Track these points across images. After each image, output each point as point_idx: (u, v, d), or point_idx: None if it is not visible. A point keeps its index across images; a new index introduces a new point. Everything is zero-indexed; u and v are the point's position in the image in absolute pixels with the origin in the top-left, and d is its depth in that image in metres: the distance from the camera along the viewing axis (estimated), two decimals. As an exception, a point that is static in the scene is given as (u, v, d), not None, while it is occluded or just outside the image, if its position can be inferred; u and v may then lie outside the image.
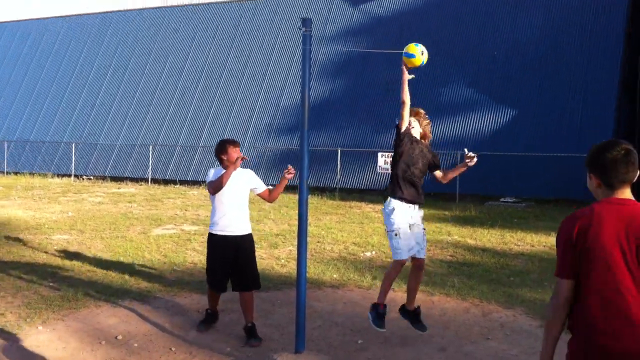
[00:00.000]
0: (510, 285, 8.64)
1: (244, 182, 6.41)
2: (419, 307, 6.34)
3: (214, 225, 6.42)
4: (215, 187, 6.18)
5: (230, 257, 6.36)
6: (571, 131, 20.13)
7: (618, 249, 2.80)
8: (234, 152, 6.34)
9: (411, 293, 6.30)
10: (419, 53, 6.11)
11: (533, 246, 11.84)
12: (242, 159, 6.21)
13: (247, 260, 6.43)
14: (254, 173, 6.66)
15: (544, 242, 12.25)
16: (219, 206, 6.35)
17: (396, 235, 5.98)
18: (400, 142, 6.23)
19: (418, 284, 6.35)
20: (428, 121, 6.50)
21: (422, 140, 6.44)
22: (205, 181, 6.51)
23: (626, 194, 2.95)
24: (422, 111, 6.45)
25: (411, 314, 6.30)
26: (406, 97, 6.15)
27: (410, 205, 6.11)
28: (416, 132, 6.33)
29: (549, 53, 21.56)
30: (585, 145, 19.44)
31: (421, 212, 6.26)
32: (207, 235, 6.59)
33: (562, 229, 2.99)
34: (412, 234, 6.07)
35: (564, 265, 2.94)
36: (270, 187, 6.71)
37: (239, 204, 6.37)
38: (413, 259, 6.14)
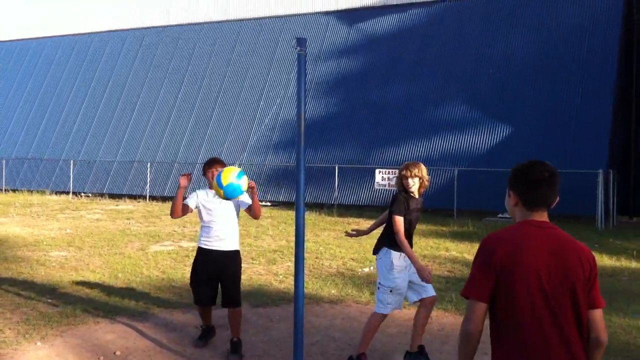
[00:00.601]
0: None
1: (232, 201, 6.38)
2: (422, 346, 6.10)
3: (200, 239, 6.52)
4: (172, 211, 6.40)
5: (213, 272, 6.39)
6: (567, 147, 20.23)
7: (545, 273, 2.64)
8: (216, 171, 6.23)
9: (419, 329, 6.08)
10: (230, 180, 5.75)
11: (530, 261, 11.86)
12: (187, 177, 6.27)
13: (230, 277, 6.42)
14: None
15: (541, 257, 12.26)
16: (206, 223, 6.43)
17: (391, 292, 5.90)
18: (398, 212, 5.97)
19: (427, 320, 6.19)
20: (428, 177, 6.16)
21: (418, 195, 6.16)
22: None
23: (544, 216, 2.85)
24: (417, 169, 6.03)
25: (419, 355, 6.06)
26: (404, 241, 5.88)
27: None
28: (415, 188, 6.07)
29: (544, 70, 21.70)
30: (580, 161, 19.55)
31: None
32: (196, 250, 6.65)
33: (483, 249, 2.77)
34: (406, 283, 5.94)
35: (480, 285, 2.68)
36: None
37: (227, 220, 6.39)
38: (423, 299, 6.00)
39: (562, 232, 2.80)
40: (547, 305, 2.62)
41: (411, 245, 6.01)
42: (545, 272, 2.63)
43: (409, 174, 5.99)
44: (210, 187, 6.38)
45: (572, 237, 2.80)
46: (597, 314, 2.81)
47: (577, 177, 19.28)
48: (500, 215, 19.54)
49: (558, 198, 2.87)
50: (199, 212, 6.47)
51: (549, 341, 2.60)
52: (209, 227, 6.42)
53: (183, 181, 6.29)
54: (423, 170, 6.07)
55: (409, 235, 6.02)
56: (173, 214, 6.39)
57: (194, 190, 6.76)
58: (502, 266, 2.65)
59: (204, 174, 6.46)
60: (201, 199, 6.45)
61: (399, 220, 5.91)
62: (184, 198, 6.49)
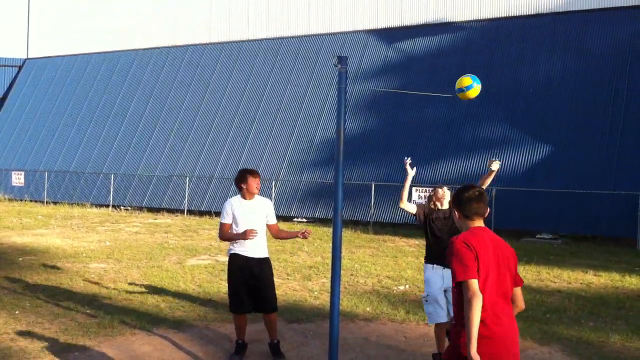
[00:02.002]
0: (546, 322, 8.53)
1: (261, 210, 6.74)
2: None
3: (235, 247, 6.72)
4: (221, 237, 6.78)
5: (248, 278, 6.59)
6: (608, 168, 19.90)
7: (495, 263, 3.78)
8: (253, 182, 6.69)
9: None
10: (472, 81, 6.26)
11: (570, 283, 11.68)
12: (252, 236, 6.50)
13: (266, 283, 6.67)
14: (271, 204, 6.97)
15: (580, 279, 12.07)
16: (239, 230, 6.67)
17: (427, 301, 6.56)
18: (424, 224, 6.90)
19: None
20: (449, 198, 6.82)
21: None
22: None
23: (480, 223, 3.95)
24: (442, 192, 6.92)
25: None
26: (404, 196, 7.05)
27: (439, 265, 6.60)
28: (445, 205, 6.82)
29: (585, 89, 21.43)
30: (621, 183, 19.22)
31: None
32: (228, 257, 6.80)
33: (463, 246, 3.74)
34: (439, 293, 6.51)
35: (473, 270, 3.68)
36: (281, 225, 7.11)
37: (259, 228, 6.64)
38: None
39: (495, 234, 3.96)
40: (501, 280, 3.80)
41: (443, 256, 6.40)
42: (495, 258, 3.78)
43: (435, 198, 6.95)
44: (245, 197, 6.69)
45: (500, 237, 3.98)
46: (518, 290, 4.01)
47: (618, 198, 18.96)
48: (538, 235, 19.27)
49: (488, 209, 4.00)
50: (233, 220, 6.69)
51: (505, 303, 3.83)
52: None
53: (247, 236, 6.52)
54: (443, 195, 6.93)
55: (439, 244, 6.59)
56: (223, 237, 6.80)
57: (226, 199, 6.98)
58: (475, 253, 3.70)
59: (246, 182, 6.69)
60: (235, 207, 6.68)
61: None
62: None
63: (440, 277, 6.52)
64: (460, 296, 3.76)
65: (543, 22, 23.37)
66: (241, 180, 6.69)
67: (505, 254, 3.86)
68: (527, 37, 23.35)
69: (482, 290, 3.68)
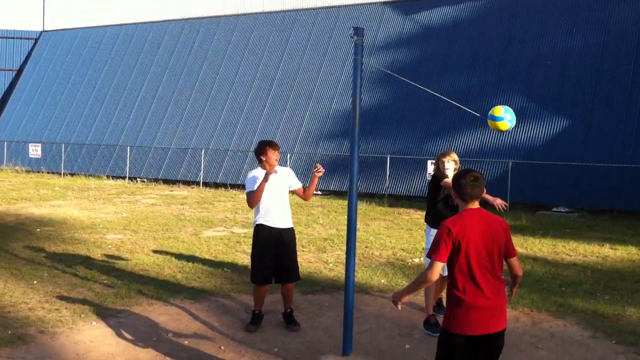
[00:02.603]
0: (561, 295, 8.52)
1: (282, 180, 6.77)
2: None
3: (260, 218, 6.74)
4: (252, 201, 6.62)
5: (273, 248, 6.64)
6: (626, 142, 19.69)
7: (482, 242, 4.11)
8: (273, 155, 6.71)
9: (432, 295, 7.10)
10: (504, 114, 6.25)
11: (586, 257, 11.64)
12: (273, 171, 6.51)
13: (289, 252, 6.76)
14: (292, 172, 7.04)
15: (597, 252, 12.02)
16: (262, 202, 6.67)
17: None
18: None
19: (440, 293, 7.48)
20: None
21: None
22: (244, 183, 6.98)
23: (476, 204, 4.27)
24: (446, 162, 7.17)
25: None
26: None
27: None
28: (450, 172, 7.08)
29: (604, 63, 21.15)
30: (641, 156, 19.04)
31: None
32: (254, 228, 6.81)
33: (444, 228, 4.10)
34: None
35: (444, 253, 4.08)
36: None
37: (280, 199, 6.73)
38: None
39: (488, 213, 4.26)
40: (487, 256, 4.13)
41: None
42: (482, 237, 4.11)
43: (444, 158, 7.14)
44: (264, 168, 6.66)
45: (493, 214, 4.28)
46: (514, 260, 4.38)
47: (636, 172, 18.79)
48: (554, 209, 19.18)
49: (485, 190, 4.47)
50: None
51: (488, 278, 4.13)
52: (265, 207, 6.71)
53: (268, 176, 6.49)
54: (454, 156, 7.26)
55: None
56: (253, 203, 6.66)
57: (249, 172, 6.98)
58: (458, 238, 4.05)
59: (265, 154, 6.71)
60: (259, 178, 6.62)
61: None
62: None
63: None
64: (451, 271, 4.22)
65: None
66: (261, 153, 6.74)
67: (497, 231, 4.21)
68: (548, 9, 23.01)
69: (467, 266, 4.09)
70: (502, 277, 4.24)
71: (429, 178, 21.43)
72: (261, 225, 6.73)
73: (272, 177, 6.50)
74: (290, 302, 6.90)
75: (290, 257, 6.76)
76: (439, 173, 7.13)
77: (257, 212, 6.75)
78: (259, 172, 6.70)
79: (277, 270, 6.72)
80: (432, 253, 4.13)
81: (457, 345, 4.13)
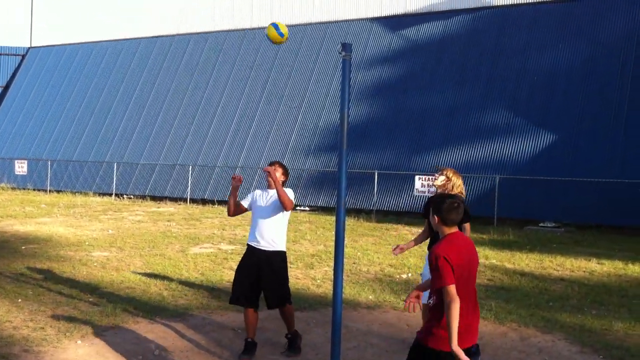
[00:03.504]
0: (549, 310, 8.51)
1: (273, 201, 6.49)
2: None
3: (249, 237, 6.65)
4: (227, 209, 6.73)
5: (255, 270, 6.43)
6: (613, 157, 19.83)
7: (467, 265, 4.26)
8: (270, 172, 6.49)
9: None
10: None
11: (573, 271, 11.66)
12: (237, 180, 6.50)
13: (275, 276, 6.46)
14: (290, 190, 6.66)
15: (584, 267, 12.05)
16: (253, 220, 6.58)
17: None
18: None
19: None
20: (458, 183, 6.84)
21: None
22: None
23: (455, 229, 4.34)
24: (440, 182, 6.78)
25: None
26: None
27: None
28: (438, 183, 6.78)
29: (590, 79, 21.33)
30: (626, 172, 19.17)
31: None
32: None
33: (441, 258, 4.15)
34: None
35: (451, 277, 4.12)
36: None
37: (271, 220, 6.46)
38: None
39: (466, 237, 4.45)
40: (471, 278, 4.32)
41: None
42: (469, 261, 4.27)
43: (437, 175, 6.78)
44: (268, 187, 6.57)
45: (469, 238, 4.57)
46: None
47: (622, 187, 18.90)
48: (541, 224, 19.24)
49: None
50: (250, 206, 6.66)
51: (473, 296, 4.34)
52: (254, 225, 6.56)
53: (234, 182, 6.51)
54: (449, 172, 6.78)
55: None
56: (228, 212, 6.71)
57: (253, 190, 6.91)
58: (452, 264, 4.14)
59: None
60: (257, 196, 6.61)
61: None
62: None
63: None
64: (439, 301, 4.27)
65: (550, 11, 23.21)
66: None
67: (474, 255, 4.40)
68: (535, 25, 23.22)
69: (460, 287, 4.16)
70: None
71: (416, 194, 21.47)
72: (248, 245, 6.60)
73: (268, 196, 6.47)
74: (289, 326, 6.62)
75: (276, 281, 6.47)
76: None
77: (250, 230, 6.66)
78: (258, 191, 6.68)
79: (265, 295, 6.50)
80: (441, 281, 4.16)
81: None
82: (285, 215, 6.57)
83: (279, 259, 6.52)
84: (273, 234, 6.47)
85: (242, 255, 6.77)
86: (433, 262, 4.20)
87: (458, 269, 4.16)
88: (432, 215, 4.40)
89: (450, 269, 4.12)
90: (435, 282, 4.21)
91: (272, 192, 6.48)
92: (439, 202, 4.38)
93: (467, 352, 4.20)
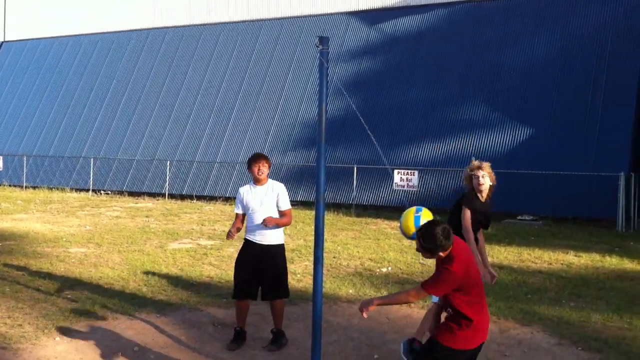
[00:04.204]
0: (527, 303, 8.59)
1: (272, 196, 6.62)
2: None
3: (246, 232, 6.68)
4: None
5: (254, 264, 6.47)
6: (589, 150, 20.02)
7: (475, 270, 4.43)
8: (255, 167, 6.61)
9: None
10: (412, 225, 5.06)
11: (550, 264, 11.76)
12: (232, 237, 6.52)
13: (273, 269, 6.57)
14: (284, 190, 6.79)
15: (561, 260, 12.17)
16: (250, 216, 6.60)
17: None
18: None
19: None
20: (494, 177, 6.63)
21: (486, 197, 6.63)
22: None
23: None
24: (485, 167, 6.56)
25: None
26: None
27: None
28: (485, 187, 6.49)
29: (566, 72, 21.50)
30: (602, 165, 19.36)
31: None
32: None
33: (454, 274, 4.24)
34: None
35: (442, 291, 4.34)
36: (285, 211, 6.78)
37: (266, 215, 6.50)
38: None
39: (463, 243, 4.54)
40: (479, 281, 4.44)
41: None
42: (474, 266, 4.43)
43: (479, 172, 6.39)
44: (255, 182, 6.64)
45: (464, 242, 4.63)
46: None
47: (598, 179, 19.08)
48: (519, 217, 19.39)
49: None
50: (245, 208, 6.67)
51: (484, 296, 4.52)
52: (252, 221, 6.59)
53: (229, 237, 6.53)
54: (487, 167, 6.51)
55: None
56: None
57: (237, 188, 6.96)
58: (464, 278, 4.29)
59: (249, 168, 6.66)
60: (245, 195, 6.65)
61: (467, 213, 6.20)
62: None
63: None
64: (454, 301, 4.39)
65: (526, 4, 23.36)
66: (248, 167, 6.68)
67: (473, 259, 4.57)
68: (511, 18, 23.35)
69: (478, 298, 4.37)
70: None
71: (395, 188, 21.52)
72: (245, 240, 6.66)
73: (258, 192, 6.58)
74: (278, 322, 6.66)
75: (274, 275, 6.57)
76: (471, 191, 6.43)
77: (247, 225, 6.68)
78: (245, 189, 6.70)
79: (263, 286, 6.56)
80: (432, 287, 4.31)
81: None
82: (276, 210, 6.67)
83: (279, 251, 6.69)
84: (271, 227, 6.52)
85: (238, 250, 6.82)
86: (448, 274, 4.29)
87: (473, 279, 4.34)
88: (428, 252, 4.36)
89: (451, 285, 4.25)
90: (431, 283, 4.37)
91: (260, 189, 6.60)
92: (431, 237, 4.27)
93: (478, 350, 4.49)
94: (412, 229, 4.88)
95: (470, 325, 4.34)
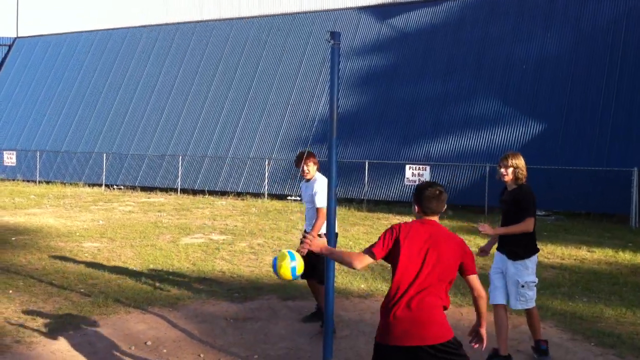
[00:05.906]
0: (540, 298, 8.51)
1: (311, 191, 6.98)
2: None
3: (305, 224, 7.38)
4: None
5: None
6: (601, 145, 19.91)
7: (418, 250, 3.94)
8: (300, 165, 7.00)
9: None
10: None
11: (563, 259, 11.71)
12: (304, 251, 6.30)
13: (317, 256, 6.58)
14: (320, 186, 6.89)
15: (574, 255, 12.11)
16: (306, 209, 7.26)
17: (536, 286, 6.34)
18: None
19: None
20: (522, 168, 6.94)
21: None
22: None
23: (435, 218, 4.10)
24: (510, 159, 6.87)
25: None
26: None
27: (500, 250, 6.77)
28: (508, 178, 6.98)
29: (579, 66, 21.37)
30: (615, 160, 19.25)
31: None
32: None
33: (392, 228, 4.07)
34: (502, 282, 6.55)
35: (383, 249, 4.05)
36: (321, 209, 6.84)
37: (313, 208, 6.98)
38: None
39: (440, 226, 4.07)
40: (420, 271, 3.92)
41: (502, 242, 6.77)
42: (424, 253, 3.94)
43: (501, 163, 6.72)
44: (304, 179, 7.18)
45: (447, 230, 4.09)
46: (472, 278, 4.06)
47: (611, 175, 18.99)
48: (532, 212, 19.31)
49: (445, 206, 4.12)
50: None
51: (415, 291, 3.94)
52: (305, 212, 7.31)
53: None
54: (516, 159, 6.83)
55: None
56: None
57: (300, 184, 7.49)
58: (399, 239, 3.98)
59: (297, 166, 7.10)
60: (302, 189, 7.27)
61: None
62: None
63: (500, 260, 6.65)
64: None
65: (537, -2, 23.23)
66: (301, 164, 7.03)
67: (446, 249, 3.98)
68: (523, 13, 23.23)
69: (399, 278, 3.97)
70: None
71: (406, 183, 21.49)
72: (305, 230, 7.24)
73: (305, 187, 7.07)
74: (318, 299, 7.05)
75: (314, 257, 6.50)
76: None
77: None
78: (301, 185, 7.27)
79: (311, 272, 6.75)
80: (376, 246, 4.14)
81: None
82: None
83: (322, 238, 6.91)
84: (313, 218, 6.99)
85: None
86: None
87: (404, 253, 3.95)
88: (413, 204, 4.19)
89: (388, 242, 4.04)
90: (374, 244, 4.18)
91: (309, 184, 7.01)
92: (420, 189, 4.14)
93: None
94: (290, 277, 5.15)
95: (382, 313, 4.09)
